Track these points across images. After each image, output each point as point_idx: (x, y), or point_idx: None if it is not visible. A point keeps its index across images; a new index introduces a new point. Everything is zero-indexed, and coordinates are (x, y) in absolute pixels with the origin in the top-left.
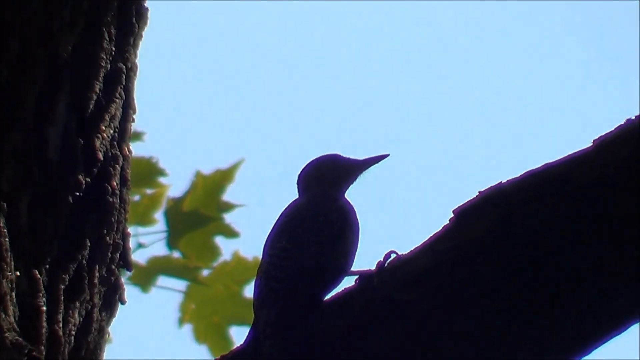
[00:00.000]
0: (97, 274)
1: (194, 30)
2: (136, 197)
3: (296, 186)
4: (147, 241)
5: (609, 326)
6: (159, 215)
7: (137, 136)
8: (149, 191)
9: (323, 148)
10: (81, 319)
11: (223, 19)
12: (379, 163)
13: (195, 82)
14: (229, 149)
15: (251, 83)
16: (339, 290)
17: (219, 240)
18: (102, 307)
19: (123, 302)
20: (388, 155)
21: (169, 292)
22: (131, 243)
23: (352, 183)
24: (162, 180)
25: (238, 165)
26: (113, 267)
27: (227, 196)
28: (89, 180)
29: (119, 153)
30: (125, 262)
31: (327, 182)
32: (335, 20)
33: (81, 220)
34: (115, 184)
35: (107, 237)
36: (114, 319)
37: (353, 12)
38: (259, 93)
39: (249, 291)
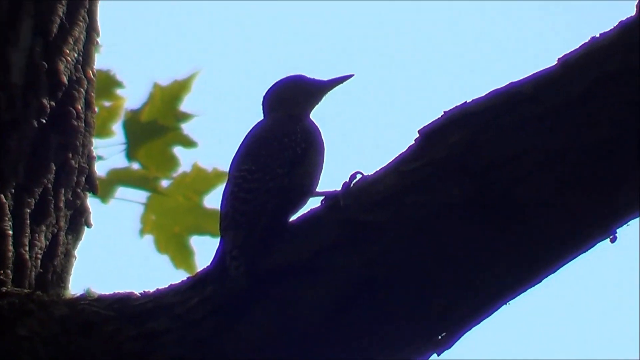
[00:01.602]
0: (62, 198)
1: None
2: None
3: (261, 107)
4: (106, 153)
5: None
6: (117, 128)
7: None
8: (106, 103)
9: (280, 59)
10: (47, 243)
11: None
12: (344, 83)
13: None
14: (186, 59)
15: None
16: (305, 212)
17: (178, 150)
18: (68, 230)
19: (89, 226)
20: (352, 75)
21: (130, 203)
22: None
23: (317, 104)
24: (119, 92)
25: (195, 75)
26: (79, 190)
27: (185, 107)
28: (54, 104)
29: (83, 76)
30: (91, 185)
31: (292, 103)
32: None
33: (46, 144)
34: (79, 107)
35: (73, 161)
36: (80, 242)
37: None
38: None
39: (208, 201)
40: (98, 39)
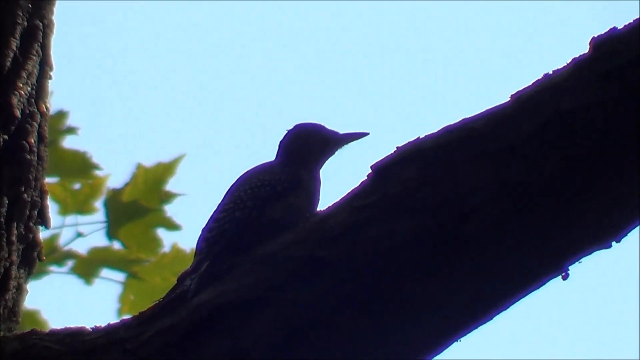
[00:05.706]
0: (15, 232)
1: (134, 19)
2: (77, 186)
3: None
4: (86, 230)
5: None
6: (99, 205)
7: (71, 130)
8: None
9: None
10: None
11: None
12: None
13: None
14: (172, 143)
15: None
16: (263, 245)
17: (161, 232)
18: (20, 264)
19: (41, 259)
20: (368, 134)
21: (109, 283)
22: (71, 232)
23: (330, 156)
24: (98, 173)
25: (180, 159)
26: (31, 224)
27: (168, 188)
28: (6, 137)
29: (36, 110)
30: (43, 219)
31: (306, 151)
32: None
33: None
34: (32, 141)
35: (25, 195)
36: (31, 276)
37: None
38: (200, 85)
39: None
40: (51, 73)
